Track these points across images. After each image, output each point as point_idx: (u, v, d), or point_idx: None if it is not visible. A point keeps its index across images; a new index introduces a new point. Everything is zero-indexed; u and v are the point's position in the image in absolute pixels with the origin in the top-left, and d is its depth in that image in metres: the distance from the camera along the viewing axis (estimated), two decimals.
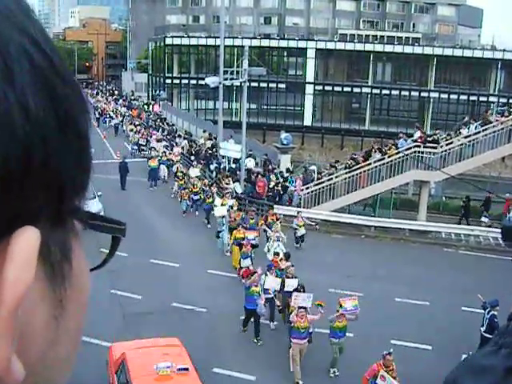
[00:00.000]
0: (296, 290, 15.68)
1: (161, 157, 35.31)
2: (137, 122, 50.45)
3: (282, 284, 16.52)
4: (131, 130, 46.50)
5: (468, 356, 0.79)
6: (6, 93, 0.45)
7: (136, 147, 41.38)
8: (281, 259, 18.10)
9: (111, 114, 57.67)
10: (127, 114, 57.42)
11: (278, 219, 22.95)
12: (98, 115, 62.03)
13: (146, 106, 62.25)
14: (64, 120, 0.50)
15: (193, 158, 35.35)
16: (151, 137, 42.47)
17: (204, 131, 44.61)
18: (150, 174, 33.67)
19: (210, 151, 36.15)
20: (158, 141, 40.55)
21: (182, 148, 38.31)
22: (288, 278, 16.65)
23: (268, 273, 16.68)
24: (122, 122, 52.94)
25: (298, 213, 24.21)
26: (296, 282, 16.24)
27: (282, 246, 19.90)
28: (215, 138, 39.84)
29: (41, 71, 0.49)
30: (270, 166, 30.40)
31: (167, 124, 48.75)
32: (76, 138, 0.53)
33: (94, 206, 22.12)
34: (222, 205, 23.90)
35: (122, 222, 0.63)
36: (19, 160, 0.45)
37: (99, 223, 0.60)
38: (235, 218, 23.19)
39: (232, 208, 24.38)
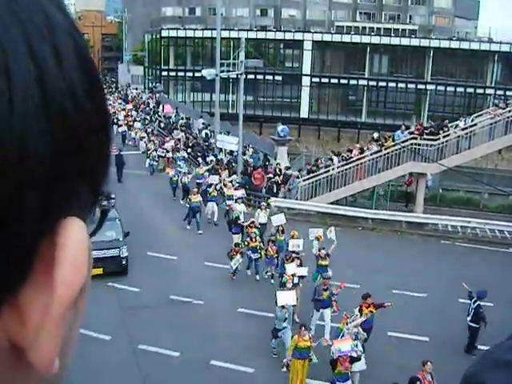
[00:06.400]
0: None
1: (208, 190, 25.71)
2: (149, 129, 43.48)
3: None
4: (142, 138, 40.55)
5: (489, 349, 0.78)
6: (60, 82, 0.45)
7: (156, 163, 34.85)
8: None
9: (119, 117, 48.84)
10: (137, 117, 49.53)
11: (368, 306, 14.71)
12: None
13: (149, 104, 58.10)
14: (98, 104, 0.50)
15: (189, 150, 35.23)
16: (164, 144, 36.47)
17: (201, 117, 44.56)
18: (190, 213, 24.39)
19: (206, 143, 36.13)
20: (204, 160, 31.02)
21: (179, 140, 38.16)
22: None
23: None
24: (130, 127, 45.06)
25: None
26: None
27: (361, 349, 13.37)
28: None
29: (81, 55, 0.49)
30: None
31: (164, 117, 48.54)
32: (106, 123, 0.52)
33: None
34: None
35: (111, 195, 0.60)
36: (70, 145, 0.45)
37: None
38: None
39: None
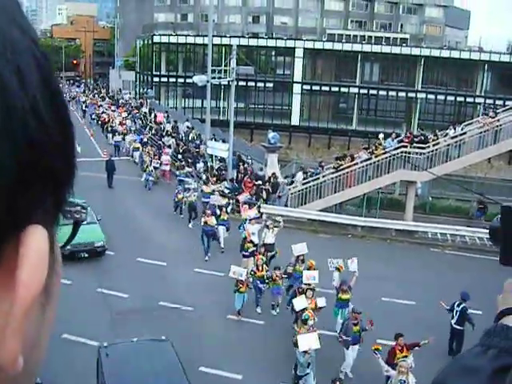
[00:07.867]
0: None
1: (218, 214, 23.03)
2: (145, 139, 41.74)
3: None
4: (136, 149, 38.73)
5: (457, 356, 0.80)
6: (23, 100, 0.45)
7: (152, 178, 32.40)
8: None
9: (116, 126, 47.29)
10: (131, 126, 47.80)
11: (408, 347, 13.47)
12: (84, 107, 61.86)
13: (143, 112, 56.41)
14: (60, 118, 0.51)
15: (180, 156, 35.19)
16: (160, 155, 34.84)
17: (187, 120, 44.68)
18: (205, 237, 21.72)
19: (196, 149, 36.14)
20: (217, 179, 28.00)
21: (169, 147, 38.13)
22: None
23: None
24: (124, 137, 43.29)
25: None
26: None
27: None
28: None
29: (44, 72, 0.49)
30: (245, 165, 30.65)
31: (155, 123, 48.50)
32: (69, 135, 0.53)
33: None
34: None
35: (84, 206, 0.62)
36: (33, 159, 0.46)
37: (67, 208, 0.58)
38: None
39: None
